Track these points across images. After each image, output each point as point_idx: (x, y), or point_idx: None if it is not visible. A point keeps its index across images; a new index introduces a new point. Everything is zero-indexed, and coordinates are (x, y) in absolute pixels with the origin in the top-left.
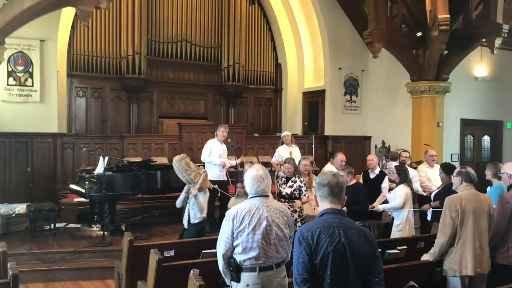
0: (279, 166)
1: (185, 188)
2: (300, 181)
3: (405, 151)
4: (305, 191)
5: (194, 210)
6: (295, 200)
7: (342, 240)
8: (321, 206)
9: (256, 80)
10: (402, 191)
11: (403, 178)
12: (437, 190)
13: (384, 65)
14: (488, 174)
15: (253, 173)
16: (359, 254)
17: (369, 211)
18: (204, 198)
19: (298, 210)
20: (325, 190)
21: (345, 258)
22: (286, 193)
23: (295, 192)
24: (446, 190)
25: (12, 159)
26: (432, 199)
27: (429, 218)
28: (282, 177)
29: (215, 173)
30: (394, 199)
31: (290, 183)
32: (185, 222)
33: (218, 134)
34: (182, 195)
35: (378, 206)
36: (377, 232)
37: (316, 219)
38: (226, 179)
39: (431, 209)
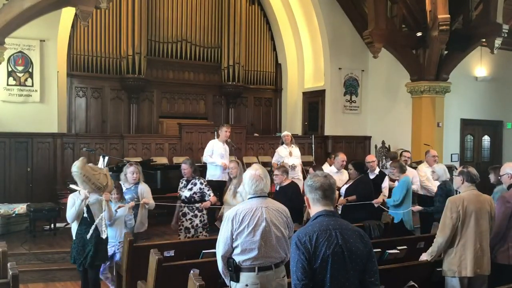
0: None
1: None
2: (201, 183)
3: (406, 151)
4: (208, 191)
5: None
6: (196, 204)
7: (339, 242)
8: (314, 209)
9: (256, 80)
10: None
11: None
12: (347, 185)
13: (384, 65)
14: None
15: (251, 173)
16: (356, 255)
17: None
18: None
19: (200, 215)
20: (318, 193)
21: (343, 260)
22: (186, 197)
23: (194, 195)
24: (356, 185)
25: (12, 159)
26: (343, 194)
27: (339, 211)
28: (183, 180)
29: (216, 173)
30: None
31: (189, 186)
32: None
33: (221, 134)
34: (76, 209)
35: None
36: (377, 232)
37: (310, 222)
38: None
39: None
